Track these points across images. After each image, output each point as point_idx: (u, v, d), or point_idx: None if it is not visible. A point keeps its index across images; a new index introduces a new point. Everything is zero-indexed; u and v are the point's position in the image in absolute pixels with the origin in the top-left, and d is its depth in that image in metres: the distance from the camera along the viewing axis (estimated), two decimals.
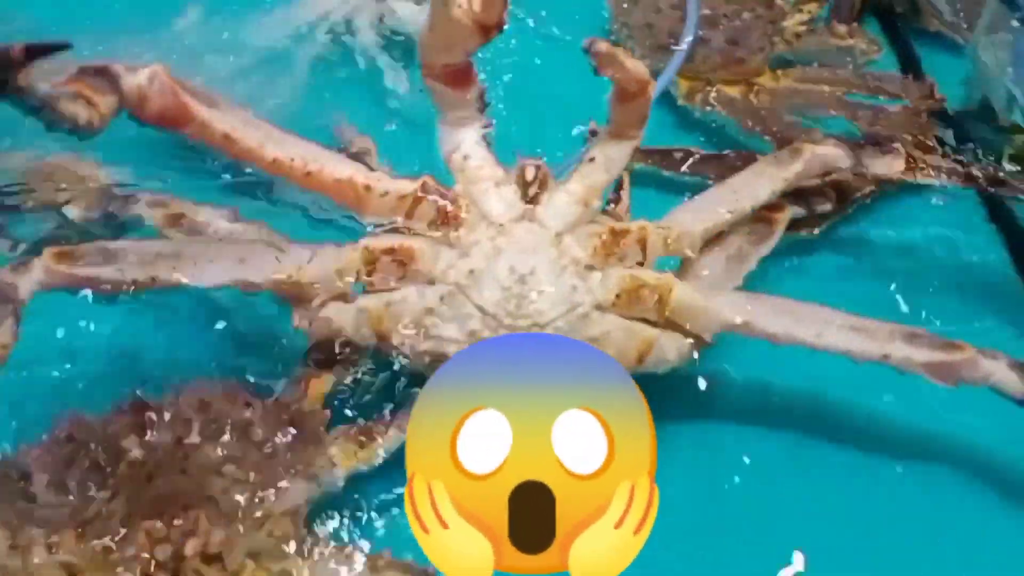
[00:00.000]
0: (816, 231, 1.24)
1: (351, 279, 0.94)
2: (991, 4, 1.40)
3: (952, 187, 1.28)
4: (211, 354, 1.02)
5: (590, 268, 0.97)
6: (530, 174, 0.98)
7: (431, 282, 0.94)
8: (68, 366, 1.04)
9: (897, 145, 1.13)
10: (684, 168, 1.31)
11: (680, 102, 1.43)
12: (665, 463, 0.99)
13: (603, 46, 0.89)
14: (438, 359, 0.93)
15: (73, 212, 1.04)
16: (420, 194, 0.95)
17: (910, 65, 1.55)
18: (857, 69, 1.48)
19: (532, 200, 0.98)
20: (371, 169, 1.06)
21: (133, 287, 0.92)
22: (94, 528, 0.78)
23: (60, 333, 1.06)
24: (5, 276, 0.89)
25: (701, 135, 1.42)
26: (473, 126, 1.00)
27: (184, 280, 0.93)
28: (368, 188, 0.94)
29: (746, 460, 1.03)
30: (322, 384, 0.96)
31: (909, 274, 1.25)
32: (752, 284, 1.11)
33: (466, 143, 0.98)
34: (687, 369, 1.04)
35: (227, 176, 1.15)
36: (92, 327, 1.08)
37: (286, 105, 1.31)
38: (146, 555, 0.77)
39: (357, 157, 1.21)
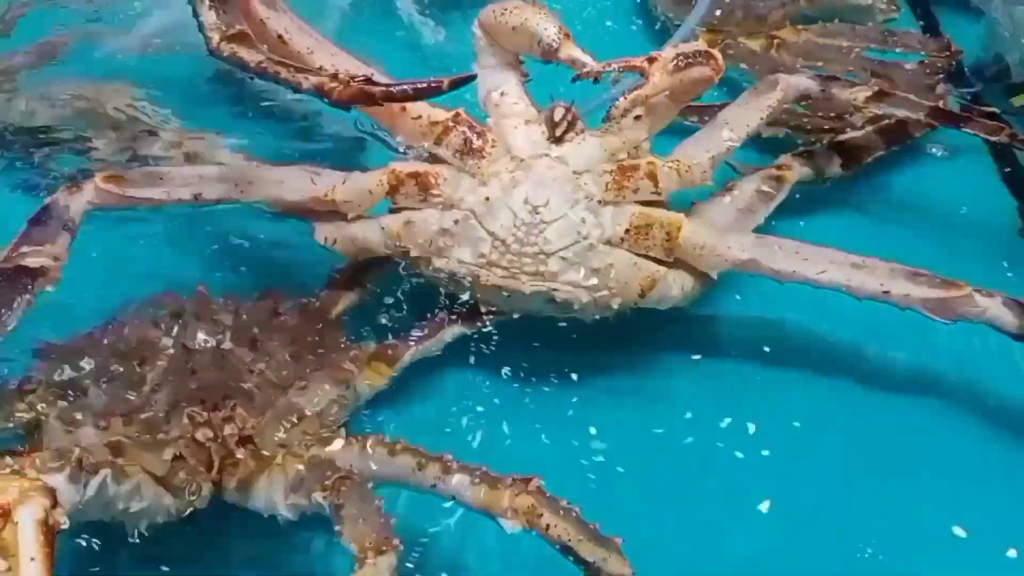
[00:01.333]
0: (826, 183, 1.29)
1: (379, 198, 1.00)
2: None
3: (964, 146, 1.35)
4: (246, 273, 1.09)
5: (603, 204, 1.00)
6: (559, 115, 1.03)
7: (450, 206, 0.99)
8: (111, 285, 1.10)
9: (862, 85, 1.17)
10: (704, 117, 1.36)
11: None
12: (669, 396, 1.06)
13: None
14: (452, 279, 1.00)
15: (101, 150, 1.11)
16: (451, 123, 1.00)
17: (930, 27, 1.59)
18: (877, 27, 1.52)
19: (559, 140, 1.01)
20: None
21: (178, 203, 0.98)
22: (139, 414, 0.85)
23: (105, 258, 1.13)
24: (60, 198, 0.94)
25: (723, 86, 1.47)
26: (514, 72, 1.05)
27: (225, 197, 0.99)
28: (404, 108, 0.99)
29: (747, 395, 1.09)
30: (346, 300, 1.03)
31: (918, 228, 1.30)
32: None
33: (506, 84, 1.03)
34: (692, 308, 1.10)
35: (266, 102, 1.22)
36: (133, 252, 1.15)
37: None
38: (188, 436, 0.84)
39: None
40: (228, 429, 0.85)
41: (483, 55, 1.05)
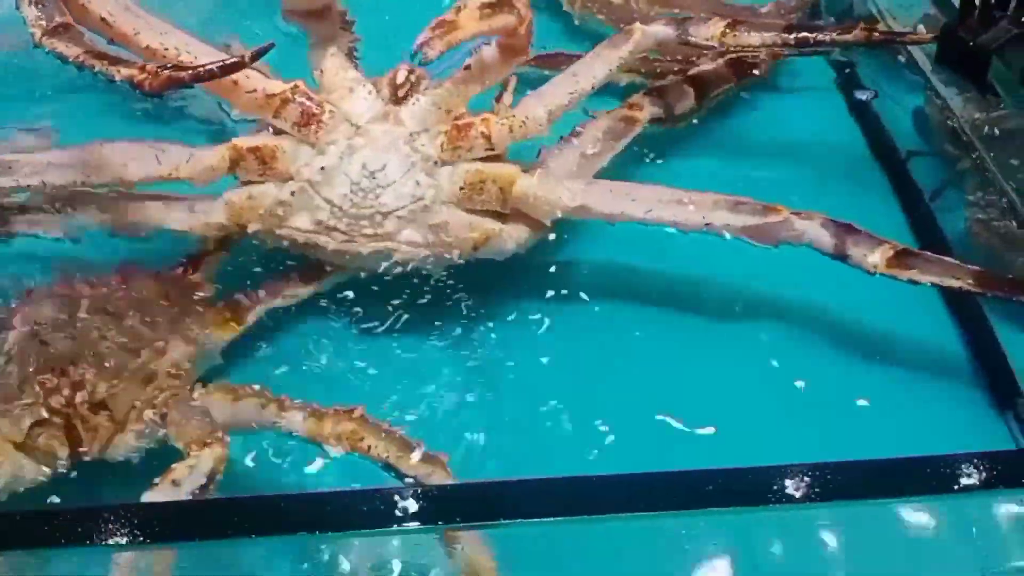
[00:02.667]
0: (679, 124, 1.35)
1: (222, 173, 1.05)
2: None
3: (814, 84, 1.41)
4: (108, 247, 1.14)
5: (439, 163, 1.05)
6: (400, 77, 1.09)
7: (288, 178, 1.04)
8: None
9: (716, 17, 1.20)
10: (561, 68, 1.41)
11: (564, 8, 1.53)
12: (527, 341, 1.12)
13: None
14: (296, 245, 1.06)
15: None
16: (289, 95, 1.04)
17: None
18: None
19: (400, 101, 1.07)
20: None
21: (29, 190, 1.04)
22: None
23: None
24: None
25: (586, 39, 1.52)
26: (337, 43, 1.10)
27: (75, 181, 1.05)
28: (236, 83, 1.03)
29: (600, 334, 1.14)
30: (208, 266, 1.09)
31: (772, 163, 1.35)
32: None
33: (325, 59, 1.08)
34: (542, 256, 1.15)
35: None
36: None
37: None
38: (41, 404, 0.90)
39: None
40: (79, 396, 0.91)
41: (310, 38, 1.10)
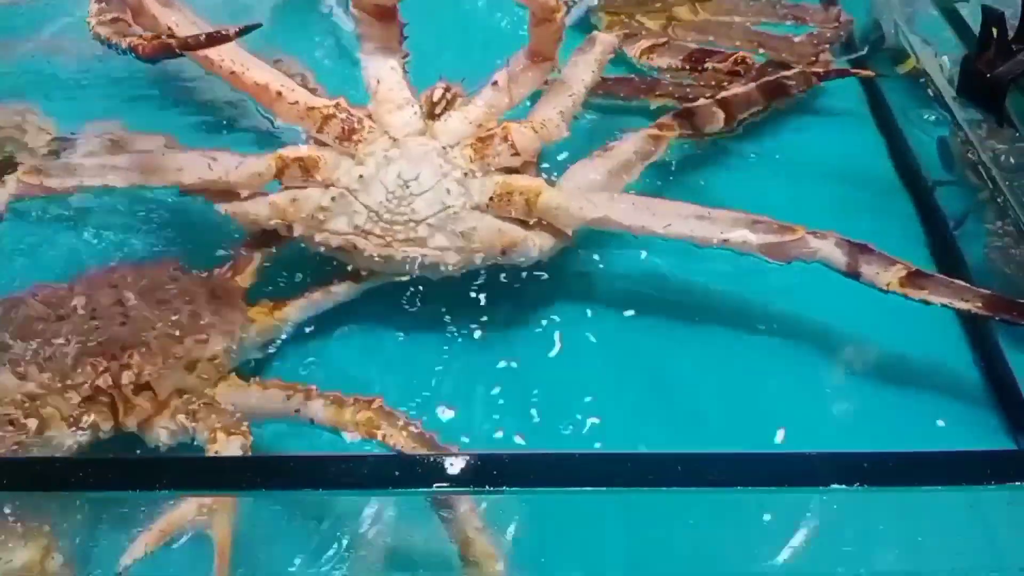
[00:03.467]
0: (706, 138, 1.39)
1: (268, 180, 1.13)
2: None
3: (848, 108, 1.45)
4: (160, 243, 1.23)
5: (469, 174, 1.12)
6: (436, 95, 1.17)
7: (329, 185, 1.12)
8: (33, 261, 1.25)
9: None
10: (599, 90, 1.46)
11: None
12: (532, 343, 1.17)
13: None
14: (335, 249, 1.12)
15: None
16: (333, 111, 1.13)
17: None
18: (770, 1, 1.62)
19: (436, 117, 1.15)
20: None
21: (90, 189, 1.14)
22: (52, 363, 0.99)
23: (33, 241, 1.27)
24: None
25: (623, 65, 1.58)
26: (392, 56, 1.18)
27: (133, 183, 1.14)
28: (279, 94, 1.14)
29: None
30: (252, 263, 1.17)
31: (798, 183, 1.39)
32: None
33: (382, 69, 1.17)
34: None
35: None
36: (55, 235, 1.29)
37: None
38: (90, 382, 0.98)
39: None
40: (126, 377, 0.99)
41: (364, 41, 1.18)
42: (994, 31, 1.17)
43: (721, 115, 1.37)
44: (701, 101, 1.38)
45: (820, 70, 1.43)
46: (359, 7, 1.16)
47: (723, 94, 1.40)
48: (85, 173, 1.14)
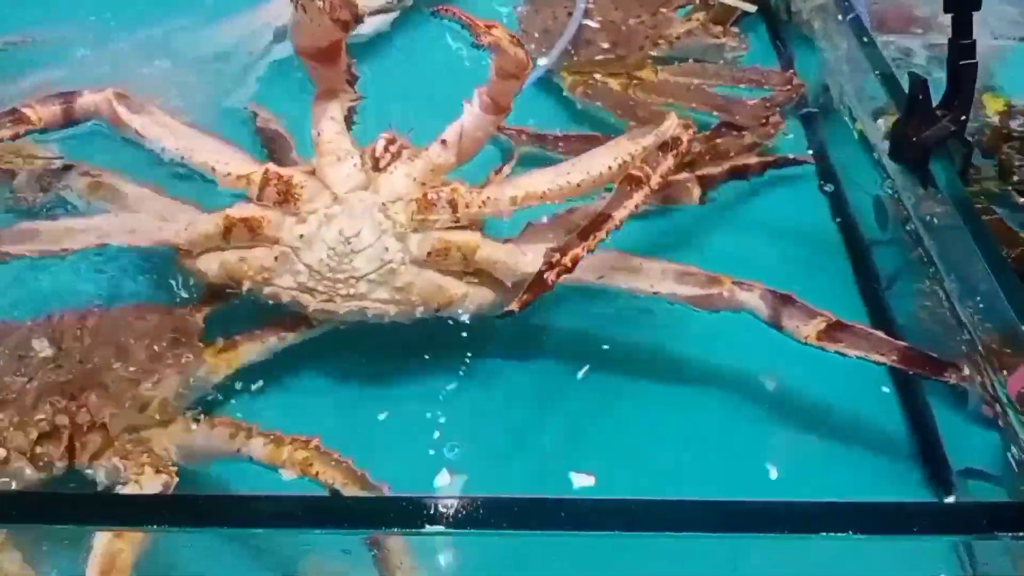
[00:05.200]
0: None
1: (216, 240, 1.18)
2: (830, 6, 1.59)
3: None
4: (125, 278, 1.29)
5: (409, 231, 1.14)
6: (379, 148, 1.19)
7: (274, 244, 1.17)
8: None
9: None
10: (560, 148, 1.52)
11: (565, 93, 1.65)
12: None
13: (499, 30, 1.07)
14: (286, 301, 1.18)
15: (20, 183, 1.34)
16: (264, 178, 1.16)
17: (785, 60, 1.76)
18: (729, 64, 1.69)
19: (381, 170, 1.17)
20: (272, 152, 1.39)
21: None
22: (14, 402, 1.06)
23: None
24: None
25: (585, 123, 1.64)
26: (336, 102, 1.21)
27: (91, 244, 1.20)
28: (213, 170, 1.20)
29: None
30: (211, 305, 1.23)
31: (745, 240, 1.45)
32: None
33: (323, 119, 1.20)
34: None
35: None
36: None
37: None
38: (49, 421, 1.04)
39: (268, 135, 1.50)
40: (81, 417, 1.05)
41: (314, 79, 1.20)
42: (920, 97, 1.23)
43: (697, 192, 1.41)
44: (680, 175, 1.40)
45: (772, 158, 1.50)
46: (298, 51, 1.19)
47: (700, 171, 1.43)
48: (43, 239, 1.20)
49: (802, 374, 1.23)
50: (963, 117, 1.20)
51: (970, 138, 1.25)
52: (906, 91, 1.27)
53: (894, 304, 1.30)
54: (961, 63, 1.18)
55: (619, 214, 1.15)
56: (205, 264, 1.20)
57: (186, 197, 1.27)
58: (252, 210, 1.17)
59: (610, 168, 1.23)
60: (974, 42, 1.19)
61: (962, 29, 1.18)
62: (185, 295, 1.25)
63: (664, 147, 1.23)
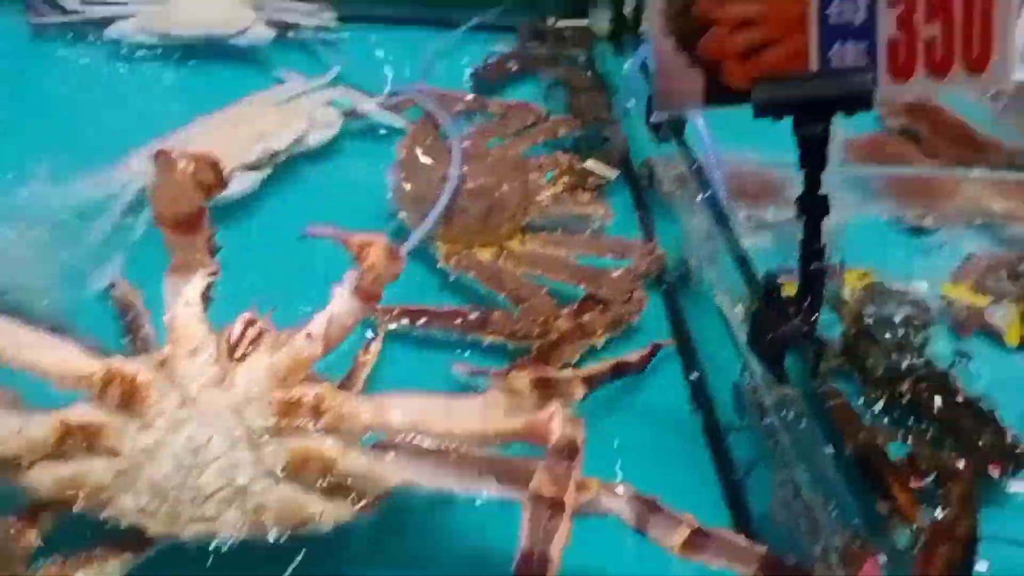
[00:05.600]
0: None
1: (49, 448, 1.03)
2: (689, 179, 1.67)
3: None
4: None
5: (264, 438, 1.03)
6: (235, 333, 1.08)
7: (114, 455, 1.02)
8: None
9: None
10: (423, 324, 1.51)
11: (439, 264, 1.65)
12: None
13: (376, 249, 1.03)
14: (126, 526, 1.03)
15: None
16: (107, 378, 1.03)
17: (647, 230, 1.81)
18: (595, 233, 1.74)
19: (240, 359, 1.06)
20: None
21: None
22: None
23: None
24: None
25: (458, 293, 1.63)
26: (199, 276, 1.11)
27: None
28: (46, 373, 1.05)
29: None
30: (39, 524, 1.06)
31: (604, 423, 1.40)
32: None
33: (178, 304, 1.09)
34: None
35: None
36: None
37: None
38: None
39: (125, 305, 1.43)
40: None
41: (171, 249, 1.12)
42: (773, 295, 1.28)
43: (581, 391, 1.30)
44: (564, 373, 1.35)
45: (649, 350, 1.49)
46: (159, 223, 1.11)
47: (587, 372, 1.35)
48: None
49: None
50: (813, 318, 1.25)
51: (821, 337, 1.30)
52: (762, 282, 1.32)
53: (752, 496, 1.32)
54: (811, 267, 1.23)
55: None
56: (36, 478, 1.04)
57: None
58: (92, 415, 1.04)
59: (473, 433, 1.11)
60: (824, 247, 1.24)
61: (812, 234, 1.24)
62: None
63: (559, 452, 1.07)
